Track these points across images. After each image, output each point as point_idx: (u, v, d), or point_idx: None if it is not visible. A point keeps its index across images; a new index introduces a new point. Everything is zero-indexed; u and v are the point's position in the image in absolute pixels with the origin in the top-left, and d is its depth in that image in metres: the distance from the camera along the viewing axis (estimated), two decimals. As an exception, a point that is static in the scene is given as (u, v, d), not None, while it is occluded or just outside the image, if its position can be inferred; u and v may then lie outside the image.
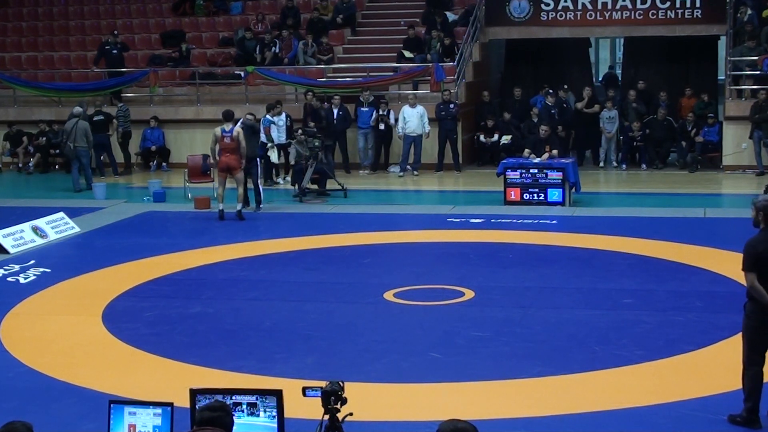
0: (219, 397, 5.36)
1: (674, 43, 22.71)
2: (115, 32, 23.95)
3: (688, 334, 9.57)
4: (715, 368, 8.51)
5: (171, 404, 5.41)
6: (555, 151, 17.06)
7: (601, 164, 21.12)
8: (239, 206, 15.89)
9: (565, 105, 20.90)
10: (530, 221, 15.29)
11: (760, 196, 7.54)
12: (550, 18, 22.15)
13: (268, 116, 19.36)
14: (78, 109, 20.11)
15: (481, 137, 21.61)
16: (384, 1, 24.49)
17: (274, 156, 19.57)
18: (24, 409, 7.34)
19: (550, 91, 21.14)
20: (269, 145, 19.28)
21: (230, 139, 15.67)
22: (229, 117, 15.93)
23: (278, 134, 19.70)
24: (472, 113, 22.05)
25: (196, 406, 5.36)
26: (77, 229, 15.23)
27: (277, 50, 22.77)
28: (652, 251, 13.11)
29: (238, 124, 16.31)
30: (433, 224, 15.48)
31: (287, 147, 20.10)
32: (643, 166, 20.76)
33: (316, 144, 18.04)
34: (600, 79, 26.98)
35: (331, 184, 18.33)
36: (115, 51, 23.29)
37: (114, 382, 8.47)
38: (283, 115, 20.03)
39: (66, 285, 12.10)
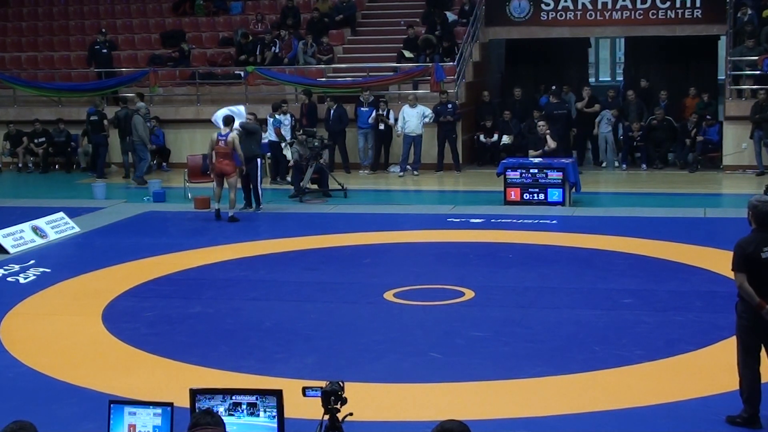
0: (219, 398, 5.37)
1: (674, 43, 22.71)
2: (103, 30, 23.94)
3: (688, 334, 9.57)
4: (715, 368, 8.49)
5: (171, 404, 5.41)
6: (554, 144, 17.14)
7: (603, 164, 21.11)
8: (230, 212, 15.82)
9: (566, 104, 20.89)
10: (530, 221, 15.28)
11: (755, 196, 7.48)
12: (550, 18, 22.16)
13: (277, 116, 19.45)
14: (140, 104, 20.45)
15: (481, 137, 21.62)
16: (384, 1, 24.49)
17: (288, 154, 19.64)
18: (24, 409, 7.32)
19: (554, 89, 21.13)
20: (284, 144, 19.36)
21: (224, 143, 15.67)
22: (227, 122, 15.95)
23: (284, 134, 19.73)
24: (472, 113, 22.05)
25: (196, 406, 5.36)
26: (77, 229, 15.22)
27: (276, 50, 22.76)
28: (652, 251, 13.11)
29: (235, 126, 16.33)
30: (433, 224, 15.48)
31: (290, 146, 20.12)
32: (643, 166, 20.75)
33: (316, 144, 18.05)
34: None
35: (330, 184, 18.33)
36: (104, 50, 23.28)
37: (114, 382, 8.46)
38: (289, 114, 20.05)
39: (66, 285, 12.09)
